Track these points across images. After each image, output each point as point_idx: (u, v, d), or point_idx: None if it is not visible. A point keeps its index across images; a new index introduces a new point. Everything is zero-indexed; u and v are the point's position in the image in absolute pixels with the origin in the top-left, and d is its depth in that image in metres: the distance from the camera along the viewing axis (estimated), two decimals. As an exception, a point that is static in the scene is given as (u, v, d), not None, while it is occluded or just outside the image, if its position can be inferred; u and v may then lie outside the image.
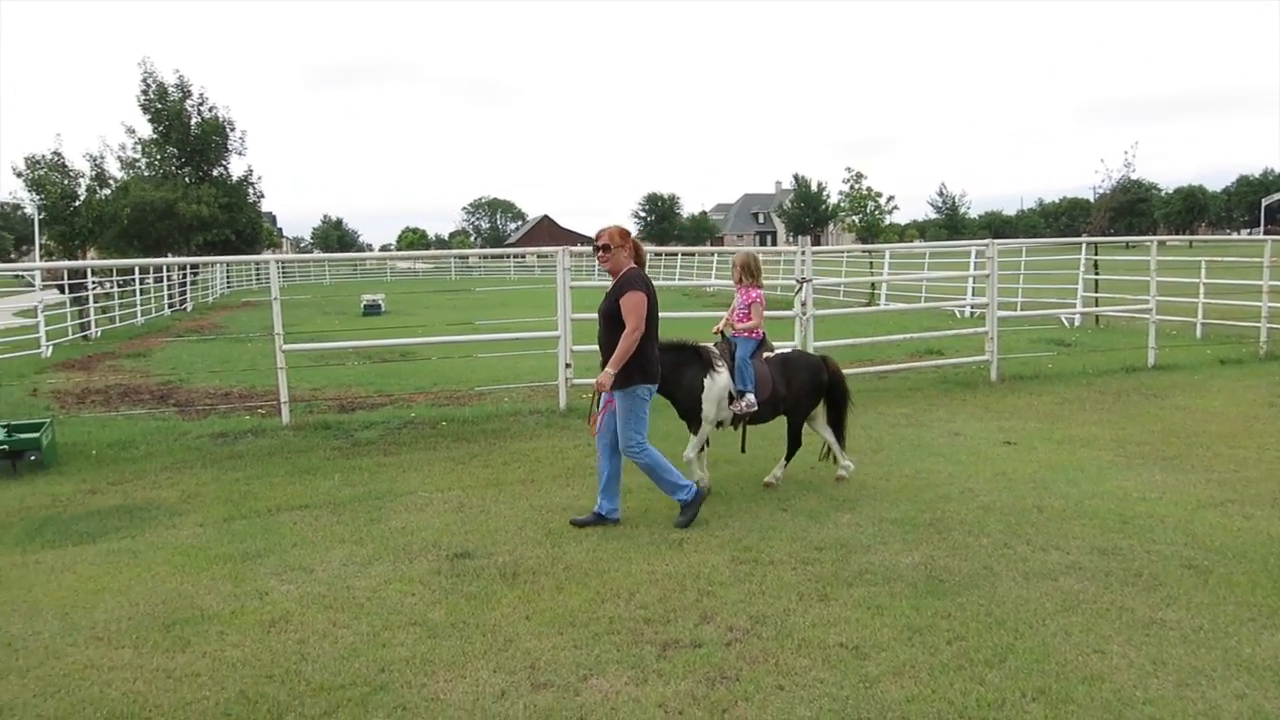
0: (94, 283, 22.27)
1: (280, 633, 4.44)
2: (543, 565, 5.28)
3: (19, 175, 30.76)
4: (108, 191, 31.55)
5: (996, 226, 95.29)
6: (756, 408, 6.57)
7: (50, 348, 17.92)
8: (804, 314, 10.75)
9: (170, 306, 29.62)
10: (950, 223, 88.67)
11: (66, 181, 30.98)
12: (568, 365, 9.90)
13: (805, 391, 6.83)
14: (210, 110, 33.43)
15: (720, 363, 6.50)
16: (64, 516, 6.60)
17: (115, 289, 24.18)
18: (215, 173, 34.08)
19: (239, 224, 34.18)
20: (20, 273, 33.24)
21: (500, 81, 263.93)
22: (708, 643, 4.22)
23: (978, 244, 20.63)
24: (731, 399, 6.52)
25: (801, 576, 5.00)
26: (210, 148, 33.45)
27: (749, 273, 6.80)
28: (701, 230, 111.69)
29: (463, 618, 4.57)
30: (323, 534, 5.95)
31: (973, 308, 18.59)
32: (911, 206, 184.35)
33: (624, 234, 6.02)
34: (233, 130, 34.16)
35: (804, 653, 4.09)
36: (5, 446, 7.87)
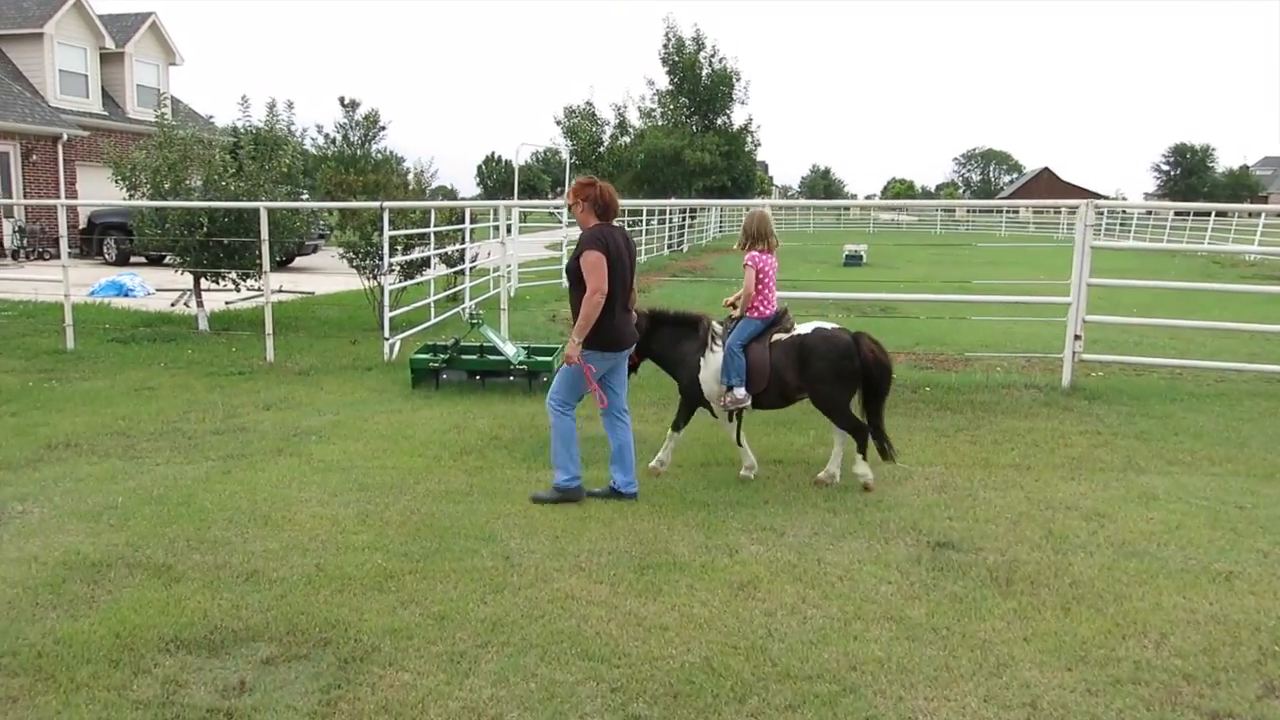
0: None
1: (748, 598, 4.21)
2: (1043, 575, 4.46)
3: (558, 123, 35.15)
4: (627, 139, 34.78)
5: None
6: (747, 403, 5.78)
7: (569, 278, 20.18)
8: None
9: (669, 247, 32.05)
10: None
11: (594, 129, 34.73)
12: (1077, 337, 8.60)
13: (825, 379, 5.70)
14: (720, 61, 35.18)
15: (720, 343, 5.83)
16: (535, 439, 7.07)
17: (627, 229, 26.65)
18: (719, 121, 35.91)
19: (735, 171, 35.79)
20: (552, 209, 38.13)
21: (999, 23, 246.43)
22: (1280, 733, 3.17)
23: None
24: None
25: None
26: (717, 97, 35.25)
27: (749, 235, 5.94)
28: (1240, 187, 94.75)
29: (946, 622, 3.97)
30: (794, 494, 5.67)
31: None
32: None
33: (582, 187, 5.44)
34: (738, 80, 35.64)
35: None
36: (525, 365, 8.76)
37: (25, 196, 24.57)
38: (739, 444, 6.07)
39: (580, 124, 34.56)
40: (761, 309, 5.89)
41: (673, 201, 31.40)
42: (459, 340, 8.98)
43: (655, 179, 33.57)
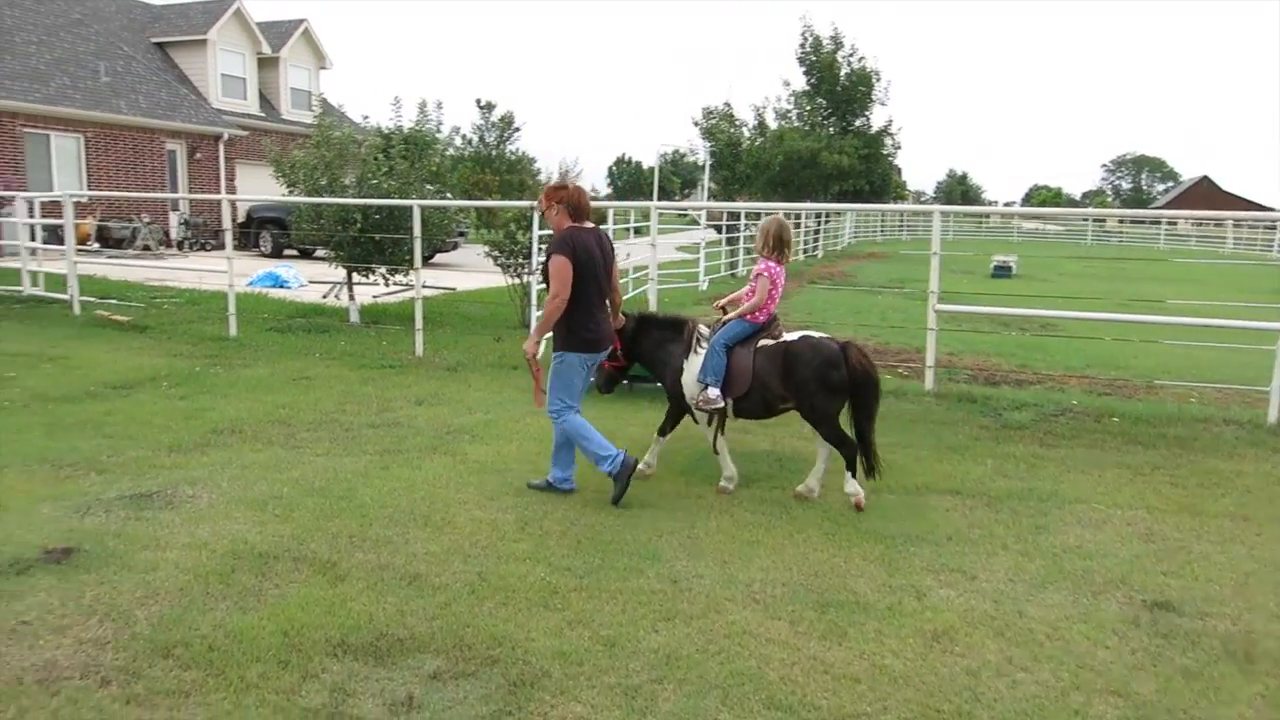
0: (745, 224, 24.30)
1: (944, 651, 3.82)
2: (1286, 649, 3.91)
3: (695, 124, 34.97)
4: (763, 140, 34.29)
5: None
6: (720, 404, 5.63)
7: (706, 281, 19.93)
8: None
9: (804, 251, 31.44)
10: None
11: (733, 130, 34.37)
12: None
13: (811, 388, 5.48)
14: (859, 61, 34.28)
15: (704, 345, 5.74)
16: (691, 450, 6.81)
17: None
18: (857, 123, 35.02)
19: (873, 175, 34.83)
20: (685, 210, 37.95)
21: (1154, 21, 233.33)
22: None
23: None
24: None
25: None
26: (855, 98, 34.37)
27: (770, 242, 5.73)
28: None
29: (1182, 703, 3.48)
30: (981, 532, 5.22)
31: None
32: None
33: (554, 190, 5.57)
34: (878, 80, 34.66)
35: None
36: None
37: (190, 192, 25.98)
38: (715, 450, 5.92)
39: (718, 125, 34.27)
40: (756, 315, 5.72)
41: (805, 205, 30.81)
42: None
43: (790, 182, 32.97)
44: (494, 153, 51.59)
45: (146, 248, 22.42)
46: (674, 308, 15.50)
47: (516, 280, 12.32)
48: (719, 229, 24.13)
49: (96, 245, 21.31)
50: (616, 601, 4.22)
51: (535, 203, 10.68)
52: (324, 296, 14.36)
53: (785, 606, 4.19)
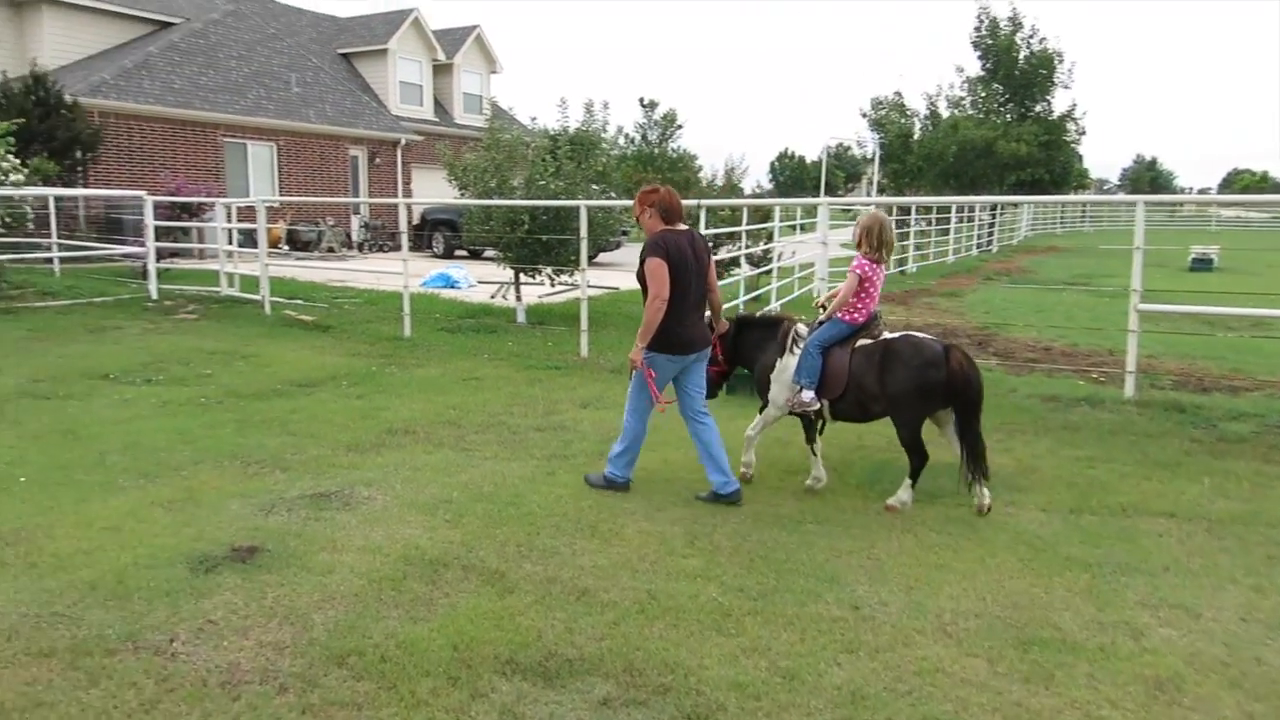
0: (916, 219, 23.34)
1: (1170, 703, 3.37)
2: None
3: (864, 116, 33.89)
4: (932, 130, 32.85)
5: None
6: (815, 406, 5.52)
7: (873, 278, 19.22)
8: None
9: (977, 247, 29.96)
10: None
11: (904, 121, 33.10)
12: None
13: (906, 392, 5.27)
14: (1040, 42, 32.28)
15: (800, 345, 5.60)
16: (899, 465, 6.32)
17: (932, 226, 25.12)
18: (1036, 109, 33.02)
19: (1053, 164, 32.76)
20: (851, 206, 36.97)
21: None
22: None
23: None
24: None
25: None
26: (1035, 82, 32.40)
27: (866, 240, 5.52)
28: None
29: None
30: (1201, 561, 4.65)
31: None
32: None
33: (646, 194, 5.56)
34: (1060, 62, 32.54)
35: None
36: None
37: (369, 195, 27.34)
38: (812, 454, 5.84)
39: (888, 116, 33.08)
40: (853, 314, 5.54)
41: (981, 198, 29.37)
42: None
43: (964, 173, 31.44)
44: (655, 151, 51.98)
45: (330, 250, 23.69)
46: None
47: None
48: (887, 224, 23.28)
49: (285, 248, 22.67)
50: (794, 628, 3.96)
51: (700, 202, 10.51)
52: (491, 297, 14.68)
53: (981, 642, 3.82)
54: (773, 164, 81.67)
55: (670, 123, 53.76)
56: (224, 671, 3.47)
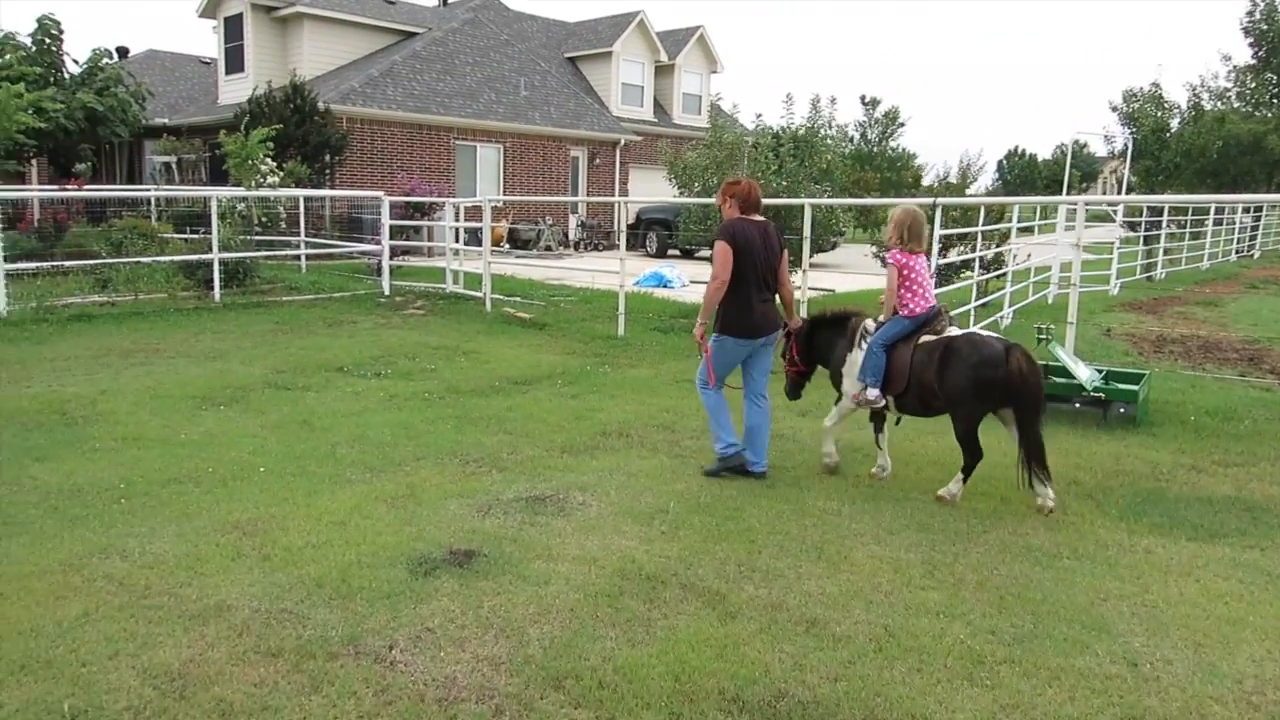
0: (1167, 221, 21.19)
1: None
2: None
3: (1114, 109, 31.24)
4: (1198, 125, 29.78)
5: None
6: (880, 404, 5.57)
7: (1118, 286, 17.58)
8: None
9: (1237, 252, 26.92)
10: None
11: (1160, 115, 30.22)
12: None
13: (964, 390, 5.22)
14: (1323, 26, 28.64)
15: (867, 341, 5.61)
16: (1168, 495, 5.63)
17: (1185, 229, 22.75)
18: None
19: (1339, 160, 28.94)
20: (1101, 204, 34.26)
21: None
22: None
23: None
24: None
25: None
26: (1320, 69, 28.83)
27: (902, 234, 5.55)
28: None
29: None
30: None
31: None
32: None
33: (730, 185, 5.87)
34: (1349, 48, 28.73)
35: None
36: (1100, 393, 7.29)
37: (587, 195, 27.96)
38: (879, 445, 5.95)
39: (1143, 109, 30.29)
40: (911, 307, 5.52)
41: (1244, 197, 26.33)
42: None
43: (1225, 170, 28.34)
44: (874, 149, 50.43)
45: (548, 248, 24.37)
46: (1082, 314, 13.72)
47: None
48: (1132, 226, 21.26)
49: (507, 246, 23.52)
50: (1060, 684, 3.42)
51: (933, 200, 9.82)
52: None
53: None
54: (1000, 162, 77.28)
55: (892, 120, 51.93)
56: (441, 686, 3.35)
